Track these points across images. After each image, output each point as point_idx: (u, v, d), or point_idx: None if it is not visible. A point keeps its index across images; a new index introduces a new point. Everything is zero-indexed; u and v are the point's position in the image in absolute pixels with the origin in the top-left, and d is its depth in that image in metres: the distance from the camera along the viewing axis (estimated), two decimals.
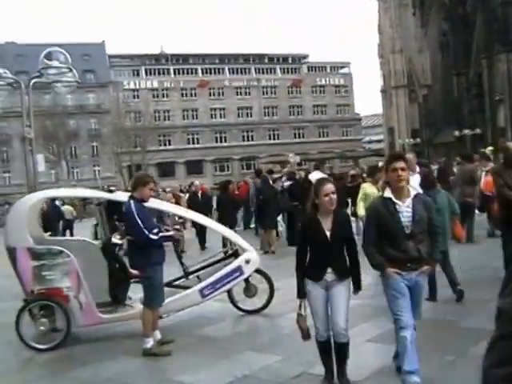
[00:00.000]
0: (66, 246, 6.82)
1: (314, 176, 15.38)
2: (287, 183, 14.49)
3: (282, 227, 15.64)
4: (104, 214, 7.66)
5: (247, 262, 7.21)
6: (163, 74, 70.87)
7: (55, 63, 10.83)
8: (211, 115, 71.72)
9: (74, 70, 11.81)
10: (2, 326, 7.82)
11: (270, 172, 17.04)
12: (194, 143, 70.46)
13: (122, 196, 7.31)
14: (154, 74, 70.54)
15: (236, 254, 7.37)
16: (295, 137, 74.96)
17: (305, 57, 78.80)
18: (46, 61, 10.74)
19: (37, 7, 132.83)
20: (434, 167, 16.14)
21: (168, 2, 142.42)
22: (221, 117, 72.19)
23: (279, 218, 15.44)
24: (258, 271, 7.47)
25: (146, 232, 5.91)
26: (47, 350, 6.59)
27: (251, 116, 73.54)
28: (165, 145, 68.08)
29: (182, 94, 70.52)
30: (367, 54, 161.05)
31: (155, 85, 69.30)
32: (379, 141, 79.25)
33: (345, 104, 77.83)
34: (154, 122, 64.53)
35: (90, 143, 63.79)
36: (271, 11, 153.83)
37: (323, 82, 76.63)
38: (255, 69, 74.69)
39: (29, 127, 11.94)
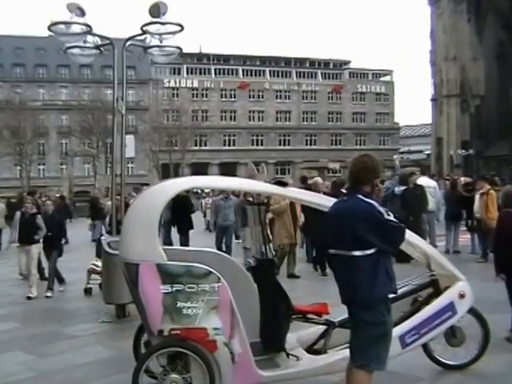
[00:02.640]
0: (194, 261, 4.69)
1: (423, 181, 13.57)
2: (399, 188, 12.29)
3: None
4: (259, 217, 5.20)
5: (461, 296, 5.12)
6: (204, 73, 69.78)
7: (163, 19, 8.54)
8: (249, 117, 70.47)
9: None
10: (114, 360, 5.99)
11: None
12: (229, 145, 69.26)
13: (296, 192, 5.46)
14: (195, 73, 69.50)
15: (436, 285, 5.19)
16: (332, 143, 73.34)
17: (346, 63, 77.20)
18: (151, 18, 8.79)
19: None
20: None
21: (208, 2, 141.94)
22: (259, 120, 70.89)
23: None
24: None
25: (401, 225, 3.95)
26: None
27: (289, 120, 72.14)
28: (200, 145, 66.87)
29: (222, 95, 69.39)
30: (409, 62, 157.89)
31: (195, 84, 68.31)
32: (417, 151, 77.39)
33: (385, 112, 76.03)
34: (192, 121, 63.42)
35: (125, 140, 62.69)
36: (314, 15, 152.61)
37: (364, 89, 74.94)
38: (296, 73, 73.34)
39: (121, 100, 9.66)
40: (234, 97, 69.67)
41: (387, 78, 77.28)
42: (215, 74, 70.05)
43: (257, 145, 70.23)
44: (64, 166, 60.92)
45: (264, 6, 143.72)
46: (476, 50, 51.15)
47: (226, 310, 4.41)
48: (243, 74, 70.97)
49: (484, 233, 11.92)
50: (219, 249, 11.39)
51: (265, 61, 73.45)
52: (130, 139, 10.26)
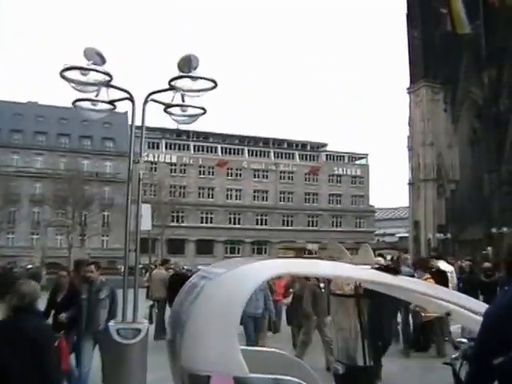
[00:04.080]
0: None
1: (443, 267, 12.92)
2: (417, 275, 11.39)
3: None
4: (358, 313, 4.33)
5: None
6: (183, 149, 70.36)
7: (196, 73, 7.55)
8: (227, 195, 70.56)
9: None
10: None
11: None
12: (206, 222, 68.77)
13: (415, 283, 4.34)
14: (174, 148, 69.92)
15: None
16: (309, 224, 73.52)
17: (323, 145, 78.96)
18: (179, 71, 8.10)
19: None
20: None
21: None
22: (236, 198, 71.00)
23: None
24: None
25: None
26: None
27: (267, 200, 72.37)
28: (177, 221, 66.10)
29: (200, 172, 69.68)
30: (385, 146, 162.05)
31: (174, 159, 68.54)
32: (391, 234, 78.21)
33: (360, 195, 77.04)
34: (170, 197, 62.99)
35: (101, 212, 61.67)
36: (293, 98, 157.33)
37: (340, 172, 76.19)
38: (274, 153, 74.46)
39: (137, 163, 9.05)
40: (212, 174, 69.94)
41: (363, 162, 78.99)
42: (194, 150, 70.61)
43: (234, 223, 70.00)
44: (35, 236, 59.37)
45: (243, 87, 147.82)
46: (451, 137, 52.82)
47: None
48: (222, 152, 71.73)
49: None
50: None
51: (243, 140, 74.67)
52: (146, 209, 8.92)
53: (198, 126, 68.12)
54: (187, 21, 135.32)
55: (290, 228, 71.66)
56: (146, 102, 9.01)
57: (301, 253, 52.33)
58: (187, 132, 71.45)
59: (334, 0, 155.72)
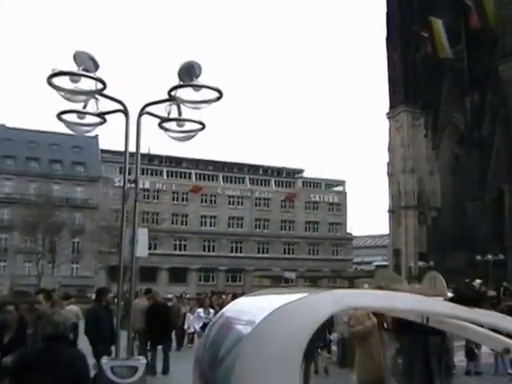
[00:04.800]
0: None
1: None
2: None
3: None
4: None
5: None
6: (156, 174, 68.69)
7: (200, 81, 6.82)
8: (201, 222, 68.96)
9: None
10: None
11: None
12: (180, 249, 66.96)
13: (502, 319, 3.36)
14: (146, 173, 67.95)
15: None
16: (285, 252, 72.21)
17: (300, 171, 78.10)
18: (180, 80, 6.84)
19: (32, 92, 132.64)
20: None
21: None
22: (211, 225, 69.47)
23: None
24: None
25: None
26: None
27: (242, 227, 70.96)
28: (150, 248, 63.63)
29: (174, 198, 68.08)
30: (363, 173, 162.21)
31: (147, 185, 66.39)
32: (369, 262, 77.24)
33: (337, 222, 76.02)
34: (142, 223, 60.93)
35: (71, 239, 59.28)
36: (268, 122, 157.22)
37: (317, 199, 75.23)
38: (250, 179, 73.32)
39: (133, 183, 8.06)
40: (186, 200, 68.44)
41: (340, 188, 78.19)
42: (167, 176, 69.12)
43: (208, 251, 68.44)
44: (2, 263, 57.51)
45: (217, 113, 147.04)
46: (432, 163, 52.22)
47: None
48: (196, 178, 70.35)
49: None
50: None
51: (218, 166, 73.58)
52: (143, 233, 7.85)
53: (171, 150, 66.58)
54: (175, 35, 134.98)
55: (265, 256, 70.25)
56: (140, 114, 7.94)
57: (277, 281, 51.01)
58: (160, 157, 69.95)
59: (308, 21, 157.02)
